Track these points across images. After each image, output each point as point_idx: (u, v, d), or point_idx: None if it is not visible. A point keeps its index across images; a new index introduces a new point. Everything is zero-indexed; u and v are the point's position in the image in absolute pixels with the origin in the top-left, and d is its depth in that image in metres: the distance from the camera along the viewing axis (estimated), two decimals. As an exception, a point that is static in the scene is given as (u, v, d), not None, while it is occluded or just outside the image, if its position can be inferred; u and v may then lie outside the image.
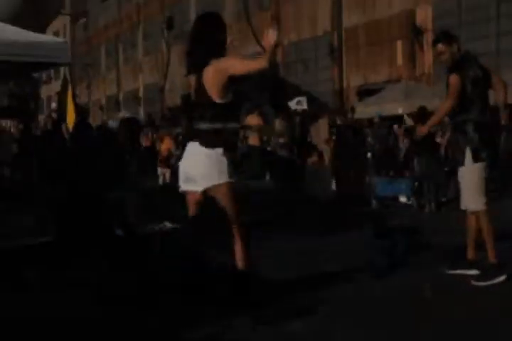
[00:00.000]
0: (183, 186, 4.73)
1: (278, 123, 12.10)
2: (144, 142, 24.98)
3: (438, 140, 11.80)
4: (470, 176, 5.71)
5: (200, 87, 4.65)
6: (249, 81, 4.49)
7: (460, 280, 5.61)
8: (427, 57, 20.77)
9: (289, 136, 12.99)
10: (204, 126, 4.60)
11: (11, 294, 5.52)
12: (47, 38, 10.69)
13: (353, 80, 24.22)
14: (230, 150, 4.61)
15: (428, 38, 20.44)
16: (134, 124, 9.65)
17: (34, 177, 10.25)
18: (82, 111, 11.24)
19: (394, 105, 17.42)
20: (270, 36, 4.35)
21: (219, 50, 4.66)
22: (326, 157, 13.29)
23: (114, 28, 46.10)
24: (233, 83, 4.60)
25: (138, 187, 8.88)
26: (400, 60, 22.06)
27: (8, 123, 15.27)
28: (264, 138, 10.82)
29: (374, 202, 11.43)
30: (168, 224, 9.09)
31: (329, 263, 6.39)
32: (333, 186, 13.94)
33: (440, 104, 5.95)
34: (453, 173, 7.36)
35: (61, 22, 55.92)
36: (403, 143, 13.48)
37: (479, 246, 5.81)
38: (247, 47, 22.68)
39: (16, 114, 14.88)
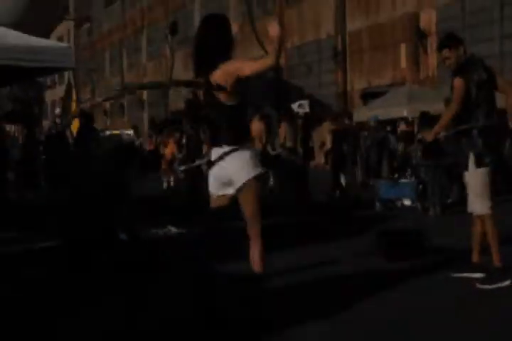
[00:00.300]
0: (220, 191, 4.64)
1: (282, 127, 12.08)
2: (148, 146, 25.07)
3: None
4: (474, 181, 5.71)
5: (208, 91, 4.63)
6: (251, 83, 4.47)
7: (465, 283, 5.59)
8: (431, 60, 20.76)
9: (293, 139, 12.97)
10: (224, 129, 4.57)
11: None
12: (51, 43, 10.72)
13: (357, 83, 24.23)
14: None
15: (432, 41, 20.45)
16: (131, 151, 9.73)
17: (37, 182, 10.28)
18: (85, 115, 11.24)
19: (398, 108, 17.42)
20: (273, 28, 4.35)
21: (226, 52, 4.63)
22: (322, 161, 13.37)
23: (118, 32, 46.20)
24: (240, 85, 4.58)
25: (139, 193, 8.88)
26: (403, 63, 22.06)
27: (12, 128, 15.29)
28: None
29: (378, 204, 11.41)
30: (172, 229, 9.10)
31: (334, 267, 6.38)
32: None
33: (445, 109, 5.93)
34: (457, 176, 7.35)
35: (65, 27, 56.10)
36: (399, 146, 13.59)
37: (484, 249, 5.80)
38: (251, 51, 22.69)
39: (20, 119, 14.90)
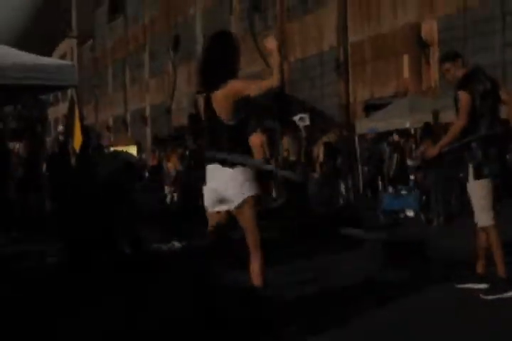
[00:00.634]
0: (216, 208, 4.65)
1: (285, 140, 12.10)
2: (151, 161, 25.12)
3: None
4: (474, 193, 5.71)
5: (209, 108, 4.64)
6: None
7: (469, 294, 5.57)
8: (433, 70, 20.79)
9: (297, 152, 13.00)
10: (221, 154, 4.56)
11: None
12: (54, 61, 10.81)
13: (360, 95, 24.27)
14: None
15: (434, 51, 20.50)
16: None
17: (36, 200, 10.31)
18: (88, 132, 11.29)
19: (400, 120, 17.41)
20: (270, 42, 4.39)
21: (231, 71, 4.64)
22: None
23: (121, 49, 46.44)
24: (246, 104, 4.60)
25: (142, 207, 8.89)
26: (406, 73, 22.09)
27: (16, 146, 15.35)
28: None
29: (381, 216, 11.39)
30: (176, 244, 9.09)
31: (336, 281, 6.38)
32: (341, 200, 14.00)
33: (452, 125, 5.93)
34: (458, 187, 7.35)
35: (68, 45, 56.41)
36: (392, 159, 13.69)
37: (489, 260, 5.78)
38: (253, 65, 22.80)
39: (23, 137, 14.96)
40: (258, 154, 9.94)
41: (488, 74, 5.93)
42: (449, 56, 6.02)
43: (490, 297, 5.42)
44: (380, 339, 4.48)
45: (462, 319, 4.96)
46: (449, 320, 4.93)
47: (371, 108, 22.28)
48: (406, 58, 22.07)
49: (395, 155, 13.22)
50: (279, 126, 14.63)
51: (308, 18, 26.84)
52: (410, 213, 11.51)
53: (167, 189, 15.85)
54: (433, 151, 6.15)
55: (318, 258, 7.45)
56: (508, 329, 4.53)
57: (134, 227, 8.15)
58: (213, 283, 4.68)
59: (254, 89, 4.52)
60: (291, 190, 10.92)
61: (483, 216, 5.70)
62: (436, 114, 11.26)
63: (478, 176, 5.65)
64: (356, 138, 19.86)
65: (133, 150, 28.34)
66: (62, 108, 38.02)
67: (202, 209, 4.92)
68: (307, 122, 16.29)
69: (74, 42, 54.90)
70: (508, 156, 12.12)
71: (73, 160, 10.10)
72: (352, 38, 24.70)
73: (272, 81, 4.43)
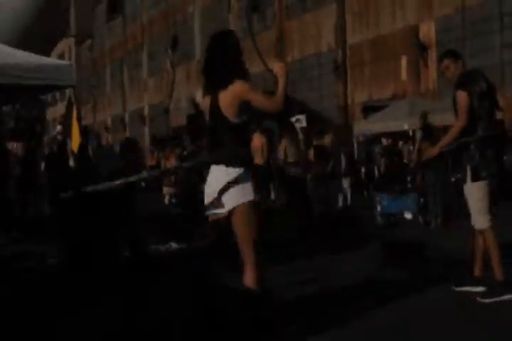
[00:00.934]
0: (214, 210, 4.58)
1: (282, 142, 12.07)
2: (150, 161, 25.12)
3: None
4: (471, 195, 5.71)
5: (214, 107, 4.64)
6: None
7: (466, 297, 5.58)
8: (431, 72, 20.82)
9: (295, 154, 12.98)
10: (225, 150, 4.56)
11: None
12: (52, 60, 10.76)
13: (358, 97, 24.29)
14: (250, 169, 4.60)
15: (432, 52, 20.54)
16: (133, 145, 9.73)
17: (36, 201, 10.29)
18: (86, 132, 11.25)
19: (398, 122, 17.44)
20: (277, 67, 4.43)
21: (236, 70, 4.63)
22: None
23: (119, 48, 46.43)
24: (249, 106, 4.61)
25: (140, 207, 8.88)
26: (404, 75, 22.13)
27: (14, 146, 15.33)
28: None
29: (379, 218, 11.39)
30: (174, 245, 9.08)
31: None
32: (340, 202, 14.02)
33: (452, 126, 5.93)
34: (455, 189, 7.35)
35: (66, 44, 56.35)
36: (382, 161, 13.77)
37: (486, 263, 5.79)
38: (251, 66, 22.78)
39: (22, 137, 14.95)
40: (258, 155, 9.93)
41: (487, 76, 5.94)
42: (449, 53, 6.03)
43: (487, 300, 5.42)
44: (380, 339, 4.51)
45: (462, 319, 4.98)
46: (449, 320, 4.94)
47: (369, 110, 22.30)
48: (404, 60, 22.11)
49: (383, 160, 13.27)
50: (277, 127, 14.60)
51: (307, 16, 26.85)
52: (408, 215, 11.51)
53: (165, 189, 15.84)
54: (433, 151, 6.16)
55: (318, 258, 7.49)
56: (508, 330, 4.54)
57: (134, 228, 8.14)
58: (213, 283, 4.68)
59: (257, 100, 4.54)
60: (291, 193, 10.92)
61: (480, 218, 5.71)
62: (425, 116, 11.28)
63: (475, 178, 5.65)
64: (354, 140, 19.92)
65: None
66: (61, 108, 37.97)
67: (201, 209, 4.91)
68: (304, 124, 16.27)
69: (72, 41, 54.87)
70: (505, 157, 12.19)
71: (72, 161, 10.07)
72: (350, 39, 24.74)
73: (276, 104, 4.53)
